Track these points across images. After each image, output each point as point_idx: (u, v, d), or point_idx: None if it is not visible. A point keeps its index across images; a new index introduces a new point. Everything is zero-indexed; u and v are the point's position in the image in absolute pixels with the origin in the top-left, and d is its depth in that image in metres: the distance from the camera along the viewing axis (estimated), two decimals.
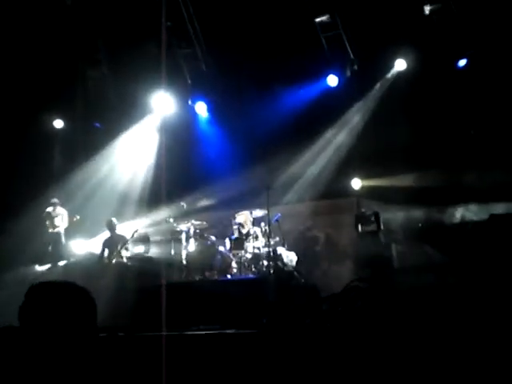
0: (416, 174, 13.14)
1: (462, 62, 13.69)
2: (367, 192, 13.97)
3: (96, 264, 13.51)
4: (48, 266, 14.53)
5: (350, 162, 14.10)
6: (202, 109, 15.67)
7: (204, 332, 7.74)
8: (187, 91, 15.63)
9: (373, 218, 12.18)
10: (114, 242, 13.43)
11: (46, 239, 14.96)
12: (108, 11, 15.23)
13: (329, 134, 14.58)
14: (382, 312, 7.03)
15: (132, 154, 15.80)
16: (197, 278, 12.63)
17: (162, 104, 15.18)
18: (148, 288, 11.07)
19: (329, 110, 14.43)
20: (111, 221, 13.75)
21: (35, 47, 14.34)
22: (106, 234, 13.92)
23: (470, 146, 13.02)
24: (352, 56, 14.39)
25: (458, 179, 12.80)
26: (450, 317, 6.21)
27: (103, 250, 13.52)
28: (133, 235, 13.29)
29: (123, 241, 13.36)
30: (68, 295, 2.40)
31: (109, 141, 15.58)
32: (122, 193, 15.50)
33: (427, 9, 13.61)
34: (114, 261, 13.12)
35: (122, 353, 6.32)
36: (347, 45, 14.33)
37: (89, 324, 2.39)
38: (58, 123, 16.25)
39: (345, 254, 12.49)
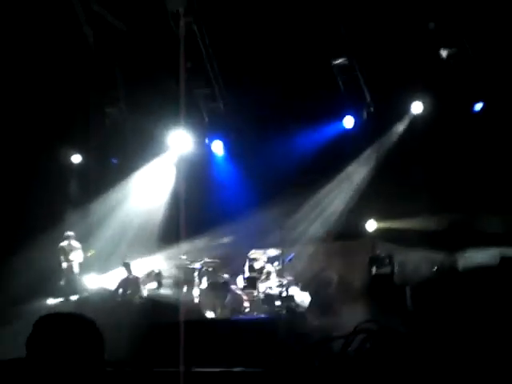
0: (431, 216, 13.06)
1: (479, 106, 13.72)
2: (382, 234, 13.90)
3: (108, 300, 13.48)
4: (60, 299, 14.48)
5: (365, 204, 14.05)
6: (218, 147, 15.77)
7: (211, 370, 7.67)
8: (204, 129, 15.75)
9: (387, 261, 12.10)
10: (130, 282, 13.42)
11: (59, 273, 14.93)
12: (128, 49, 15.49)
13: (344, 175, 14.58)
14: (391, 355, 6.94)
15: (147, 191, 15.85)
16: (208, 316, 12.56)
17: (179, 142, 15.30)
18: (159, 325, 11.03)
19: (344, 151, 14.49)
20: (127, 262, 13.76)
21: (57, 83, 14.56)
22: (121, 273, 13.89)
23: (486, 190, 12.96)
24: (368, 98, 14.47)
25: (474, 222, 12.72)
26: (463, 363, 6.11)
27: (117, 289, 13.50)
28: (149, 274, 13.29)
29: (138, 281, 13.36)
30: (75, 327, 2.40)
31: (125, 176, 15.67)
32: (137, 229, 15.49)
33: (444, 53, 13.69)
34: (127, 299, 13.11)
35: None
36: (364, 87, 14.42)
37: (96, 357, 2.38)
38: (76, 158, 16.37)
39: (358, 296, 12.36)
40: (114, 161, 16.59)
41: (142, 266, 14.17)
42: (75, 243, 15.11)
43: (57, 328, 2.39)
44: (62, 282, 14.85)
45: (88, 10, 14.68)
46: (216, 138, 15.73)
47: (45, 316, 2.44)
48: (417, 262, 13.00)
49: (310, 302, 12.28)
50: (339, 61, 14.43)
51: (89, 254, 15.01)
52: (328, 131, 14.88)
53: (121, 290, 13.42)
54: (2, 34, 13.41)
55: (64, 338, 2.35)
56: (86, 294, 14.70)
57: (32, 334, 2.39)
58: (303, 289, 12.56)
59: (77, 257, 15.06)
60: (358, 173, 14.54)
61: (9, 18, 13.53)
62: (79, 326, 2.41)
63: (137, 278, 13.49)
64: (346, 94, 14.58)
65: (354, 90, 14.49)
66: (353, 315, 11.89)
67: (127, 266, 13.68)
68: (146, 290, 13.46)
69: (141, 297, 13.20)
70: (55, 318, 2.44)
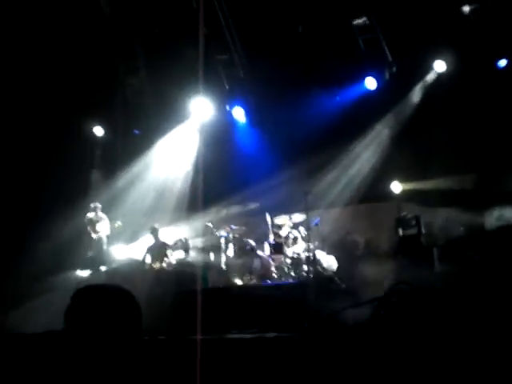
0: (457, 176, 12.95)
1: (503, 62, 13.47)
2: (407, 195, 13.83)
3: (137, 269, 13.62)
4: (89, 271, 14.66)
5: (389, 166, 13.95)
6: (239, 114, 15.71)
7: (244, 336, 7.73)
8: (225, 96, 15.69)
9: (414, 222, 12.02)
10: (157, 248, 13.53)
11: (87, 245, 15.08)
12: (146, 19, 15.41)
13: (368, 137, 14.47)
14: (423, 315, 6.95)
15: (170, 160, 15.89)
16: (236, 282, 12.65)
17: (200, 109, 15.27)
18: (186, 292, 11.14)
19: (368, 112, 14.33)
20: (154, 227, 13.85)
21: (75, 55, 14.54)
22: (148, 240, 14.02)
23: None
24: (390, 58, 14.27)
25: (500, 181, 12.59)
26: (492, 320, 6.10)
27: (145, 256, 13.63)
28: (176, 243, 13.37)
29: (166, 247, 13.47)
30: (114, 299, 2.40)
31: (148, 147, 15.71)
32: (162, 198, 15.58)
33: (466, 9, 13.42)
34: (155, 266, 13.24)
35: (162, 356, 6.35)
36: (385, 47, 14.22)
37: (134, 328, 2.39)
38: (98, 130, 16.42)
39: (385, 258, 12.33)
40: (137, 132, 16.62)
41: (168, 235, 14.27)
42: (102, 214, 15.23)
43: (95, 300, 2.39)
44: (91, 253, 15.02)
45: None
46: (237, 105, 15.67)
47: (82, 288, 2.44)
48: (443, 222, 12.94)
49: (338, 266, 12.30)
50: (359, 21, 14.21)
51: (116, 226, 15.11)
52: (350, 93, 14.75)
53: (149, 258, 13.52)
54: (22, 7, 13.40)
55: (103, 310, 2.35)
56: (114, 264, 14.86)
57: (70, 307, 2.39)
58: (330, 253, 12.58)
59: (104, 228, 15.19)
60: (381, 134, 14.41)
61: None
62: (117, 298, 2.42)
63: (164, 244, 13.60)
64: (368, 55, 14.38)
65: (375, 50, 14.30)
66: (380, 277, 11.93)
67: (155, 231, 13.77)
68: (174, 258, 13.56)
69: (169, 264, 13.31)
70: (93, 289, 2.45)
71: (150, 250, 13.63)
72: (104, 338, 2.31)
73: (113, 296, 2.41)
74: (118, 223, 15.06)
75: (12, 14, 13.37)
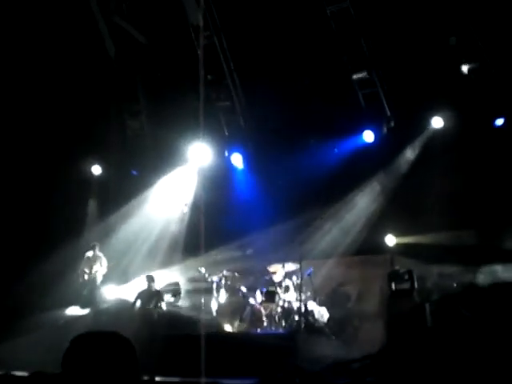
0: (452, 232, 12.98)
1: (500, 121, 13.64)
2: (401, 249, 13.82)
3: (127, 311, 13.50)
4: (79, 310, 14.55)
5: (384, 219, 13.99)
6: (238, 160, 15.79)
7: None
8: (224, 142, 15.80)
9: (406, 277, 11.97)
10: (150, 296, 13.42)
11: (82, 283, 14.97)
12: (149, 63, 15.62)
13: (364, 189, 14.54)
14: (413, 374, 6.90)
15: (167, 203, 15.90)
16: (226, 328, 12.55)
17: (199, 154, 15.36)
18: (176, 337, 11.05)
19: (364, 165, 14.43)
20: (151, 276, 13.75)
21: (79, 95, 14.71)
22: (141, 285, 13.89)
23: (507, 205, 12.87)
24: (389, 113, 14.45)
25: (495, 239, 12.63)
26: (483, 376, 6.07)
27: (136, 300, 13.49)
28: (174, 295, 13.30)
29: (159, 296, 13.36)
30: (112, 346, 2.42)
31: (145, 188, 15.74)
32: (156, 241, 15.54)
33: (465, 68, 13.65)
34: (147, 308, 13.13)
35: None
36: (384, 102, 14.42)
37: (132, 376, 2.39)
38: (96, 169, 16.47)
39: (377, 312, 12.27)
40: (135, 172, 16.67)
41: (160, 278, 14.19)
42: (99, 254, 15.18)
43: (94, 346, 2.40)
44: (85, 292, 14.90)
45: (110, 24, 14.85)
46: (236, 151, 15.77)
47: (82, 334, 2.46)
48: (436, 277, 12.92)
49: (329, 318, 12.22)
50: (360, 75, 14.43)
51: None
52: (348, 145, 14.88)
53: (139, 302, 13.40)
54: (26, 47, 13.60)
55: (101, 357, 2.36)
56: (105, 305, 14.75)
57: (68, 351, 2.40)
58: (322, 304, 12.51)
59: (101, 268, 15.11)
60: (377, 188, 14.50)
61: (33, 31, 13.72)
62: (116, 345, 2.43)
63: (158, 292, 13.48)
64: (367, 109, 14.57)
65: (374, 104, 14.49)
66: (372, 331, 11.86)
67: (151, 279, 13.65)
68: (165, 302, 13.46)
69: (160, 309, 13.21)
70: (92, 336, 2.47)
71: (142, 296, 13.49)
72: (101, 380, 2.30)
73: (111, 343, 2.42)
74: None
75: (19, 54, 13.57)
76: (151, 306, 13.20)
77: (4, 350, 12.36)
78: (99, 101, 15.26)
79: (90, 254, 15.07)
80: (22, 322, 13.31)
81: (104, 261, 15.13)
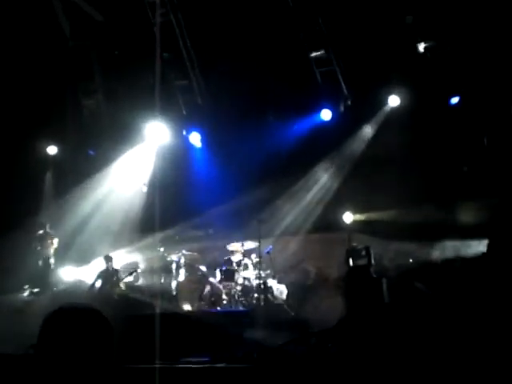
0: (408, 209, 13.18)
1: (455, 100, 13.84)
2: (359, 226, 14.00)
3: (85, 292, 13.42)
4: (36, 291, 14.40)
5: (341, 196, 14.14)
6: (196, 139, 15.71)
7: (195, 366, 7.67)
8: (182, 121, 15.69)
9: (364, 253, 12.13)
10: (109, 275, 13.35)
11: (35, 263, 14.81)
12: (105, 40, 15.38)
13: (321, 167, 14.65)
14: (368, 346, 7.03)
15: (125, 182, 15.77)
16: (186, 308, 12.57)
17: (157, 133, 15.24)
18: (136, 317, 11.01)
19: (322, 143, 14.53)
20: (109, 256, 13.67)
21: (33, 74, 14.42)
22: (100, 265, 13.80)
23: (463, 183, 13.12)
24: (346, 91, 14.53)
25: (450, 215, 12.89)
26: (437, 350, 6.22)
27: (95, 281, 13.41)
28: (131, 273, 13.22)
29: (118, 275, 13.31)
30: (89, 321, 2.35)
31: (102, 168, 15.57)
32: (114, 220, 15.42)
33: (421, 46, 13.77)
34: (106, 288, 13.07)
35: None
36: (341, 80, 14.49)
37: (107, 351, 2.36)
38: (52, 149, 16.21)
39: (336, 288, 12.42)
40: (92, 152, 16.46)
41: (119, 258, 14.12)
42: (51, 231, 15.02)
43: (70, 322, 2.32)
44: (40, 273, 14.75)
45: (65, 1, 14.55)
46: (194, 130, 15.68)
47: (56, 310, 2.37)
48: (393, 253, 13.14)
49: (288, 294, 12.34)
50: (317, 53, 14.45)
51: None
52: (305, 124, 14.94)
53: (99, 282, 13.33)
54: None
55: (77, 333, 2.29)
56: (62, 286, 14.63)
57: (43, 329, 2.32)
58: (281, 281, 12.62)
59: (52, 245, 14.96)
60: (334, 165, 14.62)
61: None
62: (93, 320, 2.37)
63: (116, 271, 13.43)
64: (324, 87, 14.62)
65: (331, 82, 14.54)
66: (330, 307, 12.01)
67: (109, 258, 13.58)
68: (124, 282, 13.41)
69: (119, 289, 13.15)
70: (67, 311, 2.38)
71: (102, 276, 13.42)
72: (77, 362, 2.25)
73: (87, 318, 2.36)
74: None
75: None
76: (111, 285, 13.15)
77: None
78: (55, 80, 14.99)
79: (40, 232, 14.90)
80: None
81: (55, 240, 14.98)
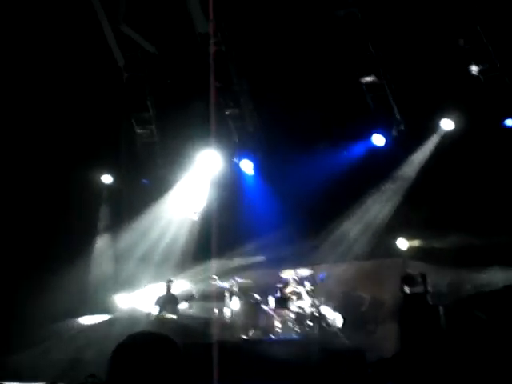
0: (464, 235, 12.93)
1: (509, 122, 13.62)
2: (414, 252, 13.78)
3: (141, 319, 13.52)
4: (92, 319, 14.60)
5: (396, 222, 13.95)
6: (247, 166, 15.79)
7: None
8: (234, 149, 15.81)
9: (420, 280, 11.93)
10: (168, 301, 13.42)
11: (92, 288, 15.06)
12: (158, 71, 15.67)
13: (375, 193, 14.51)
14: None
15: (178, 210, 15.92)
16: (240, 336, 12.54)
17: (209, 162, 15.38)
18: (192, 345, 11.05)
19: (374, 169, 14.41)
20: (171, 279, 13.77)
21: (89, 105, 14.77)
22: (158, 291, 13.89)
23: None
24: (398, 116, 14.43)
25: (508, 242, 12.58)
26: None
27: (154, 305, 13.48)
28: (187, 300, 13.25)
29: (176, 300, 13.37)
30: (161, 348, 2.36)
31: (156, 197, 15.77)
32: (167, 249, 15.55)
33: (474, 69, 13.63)
34: (163, 316, 13.12)
35: None
36: (393, 105, 14.40)
37: (178, 378, 2.37)
38: (107, 178, 16.51)
39: (391, 316, 12.25)
40: (145, 181, 16.70)
41: (175, 286, 14.20)
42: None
43: (143, 349, 2.34)
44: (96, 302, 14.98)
45: (118, 33, 14.91)
46: (246, 158, 15.76)
47: (129, 336, 2.40)
48: (450, 280, 12.88)
49: (343, 322, 12.20)
50: (368, 79, 14.41)
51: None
52: (358, 149, 14.87)
53: (157, 308, 13.36)
54: (36, 56, 13.69)
55: (151, 361, 2.30)
56: (117, 313, 14.78)
57: (115, 355, 2.34)
58: (335, 309, 12.49)
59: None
60: (389, 191, 14.46)
61: (40, 42, 13.79)
62: (164, 348, 2.37)
63: (175, 298, 13.50)
64: (376, 112, 14.54)
65: (383, 107, 14.47)
66: (385, 335, 11.84)
67: (170, 283, 13.67)
68: (179, 309, 13.45)
69: (176, 315, 13.18)
70: (139, 339, 2.42)
71: (160, 301, 13.49)
72: None
73: (159, 345, 2.37)
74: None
75: (29, 66, 13.65)
76: (168, 311, 13.20)
77: (17, 360, 12.44)
78: (109, 110, 15.32)
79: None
80: (35, 333, 13.39)
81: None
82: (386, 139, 14.57)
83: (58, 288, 13.81)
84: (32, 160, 14.71)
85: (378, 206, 14.37)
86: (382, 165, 14.43)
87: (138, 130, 16.20)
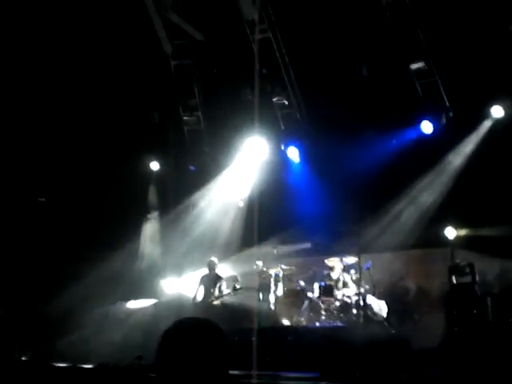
0: None
1: None
2: (462, 242, 13.56)
3: (187, 304, 13.69)
4: (140, 303, 14.82)
5: (443, 211, 13.74)
6: (294, 154, 15.76)
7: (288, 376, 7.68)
8: (280, 136, 15.80)
9: (467, 270, 11.76)
10: (212, 281, 13.56)
11: (140, 273, 15.32)
12: (205, 59, 15.75)
13: (422, 181, 14.31)
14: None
15: (224, 197, 16.02)
16: (284, 323, 12.59)
17: (256, 149, 15.41)
18: (238, 330, 11.16)
19: (423, 156, 14.20)
20: (212, 260, 13.90)
21: (136, 92, 14.96)
22: (202, 271, 14.03)
23: None
24: (447, 103, 14.19)
25: None
26: None
27: (199, 286, 13.62)
28: (234, 289, 13.31)
29: (220, 280, 13.50)
30: (207, 334, 2.39)
31: (203, 183, 15.91)
32: (213, 235, 15.68)
33: None
34: (209, 301, 13.26)
35: None
36: (442, 92, 14.16)
37: (224, 367, 2.38)
38: (155, 165, 16.72)
39: (437, 306, 12.11)
40: (192, 168, 16.85)
41: (221, 268, 14.32)
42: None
43: (191, 335, 2.38)
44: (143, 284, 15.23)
45: (166, 21, 15.02)
46: (292, 145, 15.74)
47: (177, 322, 2.44)
48: (498, 270, 12.67)
49: (388, 311, 12.13)
50: (417, 65, 14.19)
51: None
52: (406, 137, 14.66)
53: (202, 288, 13.50)
54: (87, 46, 13.91)
55: (198, 346, 2.34)
56: (164, 297, 14.99)
57: (164, 342, 2.39)
58: (380, 297, 12.41)
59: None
60: (437, 178, 14.24)
61: (90, 32, 14.01)
62: (210, 334, 2.40)
63: (219, 277, 13.61)
64: (425, 99, 14.32)
65: (432, 94, 14.23)
66: (431, 325, 11.73)
67: (213, 263, 13.78)
68: (224, 294, 13.56)
69: (222, 297, 13.29)
70: (187, 324, 2.45)
71: (204, 281, 13.63)
72: (195, 375, 2.30)
73: (205, 331, 2.40)
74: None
75: (82, 52, 13.89)
76: (215, 291, 13.33)
77: (67, 342, 12.75)
78: (156, 97, 15.49)
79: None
80: (85, 317, 13.69)
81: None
82: (435, 126, 14.33)
83: (108, 272, 14.09)
84: (83, 148, 15.00)
85: (426, 195, 14.15)
86: (431, 152, 14.20)
87: (185, 117, 16.36)
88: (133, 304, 14.74)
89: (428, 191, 14.20)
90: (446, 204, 13.78)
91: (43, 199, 15.10)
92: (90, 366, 10.04)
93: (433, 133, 14.33)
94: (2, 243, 13.79)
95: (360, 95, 14.40)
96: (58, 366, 10.31)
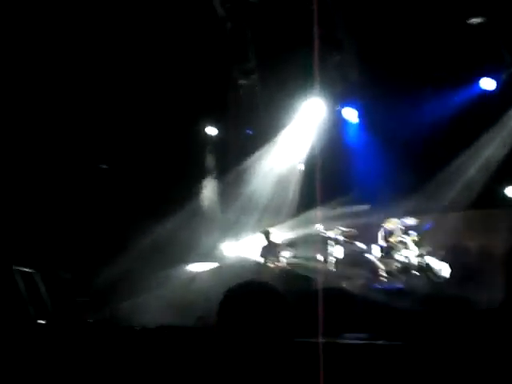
0: None
1: None
2: None
3: (248, 267, 13.87)
4: (201, 266, 15.06)
5: (507, 169, 13.42)
6: (351, 114, 15.62)
7: (351, 342, 7.72)
8: (337, 97, 15.64)
9: None
10: (270, 249, 13.70)
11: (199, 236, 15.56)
12: (259, 20, 15.60)
13: (484, 139, 14.00)
14: None
15: (282, 159, 16.03)
16: (344, 285, 12.65)
17: (313, 110, 15.31)
18: (298, 292, 11.26)
19: (483, 114, 13.87)
20: (267, 230, 14.03)
21: (192, 59, 14.97)
22: (260, 240, 14.20)
23: None
24: (508, 59, 13.75)
25: None
26: None
27: (257, 255, 13.81)
28: (285, 243, 13.43)
29: (277, 248, 13.63)
30: (269, 297, 2.43)
31: (260, 146, 15.94)
32: (271, 197, 15.74)
33: None
34: (271, 266, 13.43)
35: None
36: (502, 47, 13.72)
37: (286, 327, 2.41)
38: (212, 130, 16.82)
39: (499, 267, 11.94)
40: (249, 131, 16.89)
41: (277, 234, 14.42)
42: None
43: (251, 297, 2.42)
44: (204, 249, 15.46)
45: None
46: (349, 106, 15.59)
47: (237, 285, 2.47)
48: None
49: (449, 272, 12.04)
50: (476, 20, 13.76)
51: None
52: (465, 94, 14.34)
53: (262, 259, 13.69)
54: (140, 13, 13.96)
55: (259, 308, 2.37)
56: (225, 261, 15.20)
57: (223, 303, 2.43)
58: (442, 259, 12.32)
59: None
60: (498, 137, 13.90)
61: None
62: (270, 297, 2.43)
63: (276, 245, 13.75)
64: (484, 55, 13.91)
65: (492, 50, 13.81)
66: (494, 286, 11.57)
67: (267, 233, 13.94)
68: (283, 257, 13.69)
69: (281, 264, 13.45)
70: (247, 287, 2.48)
71: (263, 252, 13.81)
72: (255, 337, 2.33)
73: (265, 294, 2.44)
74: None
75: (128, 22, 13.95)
76: (272, 259, 13.49)
77: (128, 307, 13.09)
78: (212, 62, 15.47)
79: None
80: (145, 280, 14.00)
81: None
82: (496, 82, 13.95)
83: (167, 237, 14.35)
84: (143, 116, 15.17)
85: (487, 153, 13.84)
86: (492, 109, 13.85)
87: (241, 81, 16.31)
88: (194, 267, 14.98)
89: (490, 150, 13.88)
90: (508, 162, 13.47)
91: (105, 166, 15.41)
92: (151, 327, 10.29)
93: (493, 89, 13.97)
94: (67, 210, 14.16)
95: (417, 52, 14.06)
96: (123, 327, 10.61)
